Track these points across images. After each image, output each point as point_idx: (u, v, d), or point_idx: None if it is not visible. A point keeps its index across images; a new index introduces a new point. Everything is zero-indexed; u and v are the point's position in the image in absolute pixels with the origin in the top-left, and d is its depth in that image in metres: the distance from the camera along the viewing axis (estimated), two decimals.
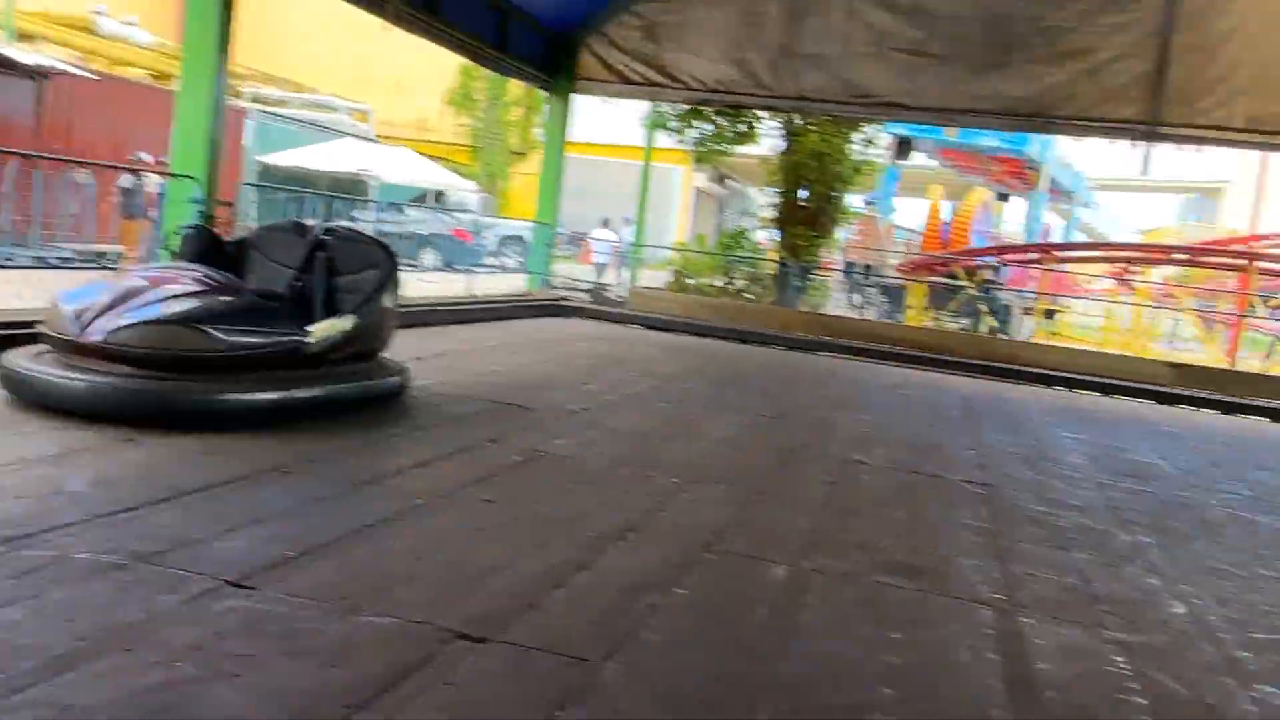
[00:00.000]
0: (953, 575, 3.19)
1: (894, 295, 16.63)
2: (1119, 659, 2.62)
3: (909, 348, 11.08)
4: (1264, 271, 16.18)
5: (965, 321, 15.68)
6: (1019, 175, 21.00)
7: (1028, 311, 17.18)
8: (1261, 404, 9.84)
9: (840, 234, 17.15)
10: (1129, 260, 18.52)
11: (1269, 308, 16.94)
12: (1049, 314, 18.63)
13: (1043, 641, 2.68)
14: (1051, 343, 14.51)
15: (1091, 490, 4.87)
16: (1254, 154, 25.40)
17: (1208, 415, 9.45)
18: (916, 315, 15.64)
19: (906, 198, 24.11)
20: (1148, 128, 10.01)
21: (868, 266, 18.51)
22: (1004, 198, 22.96)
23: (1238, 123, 9.81)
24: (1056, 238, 25.06)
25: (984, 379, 10.04)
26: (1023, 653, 2.59)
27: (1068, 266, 20.43)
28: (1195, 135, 10.10)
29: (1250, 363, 15.88)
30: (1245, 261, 16.16)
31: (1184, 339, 20.89)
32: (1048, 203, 23.53)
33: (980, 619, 2.81)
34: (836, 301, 16.76)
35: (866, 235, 20.10)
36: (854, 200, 16.96)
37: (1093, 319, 20.02)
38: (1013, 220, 24.94)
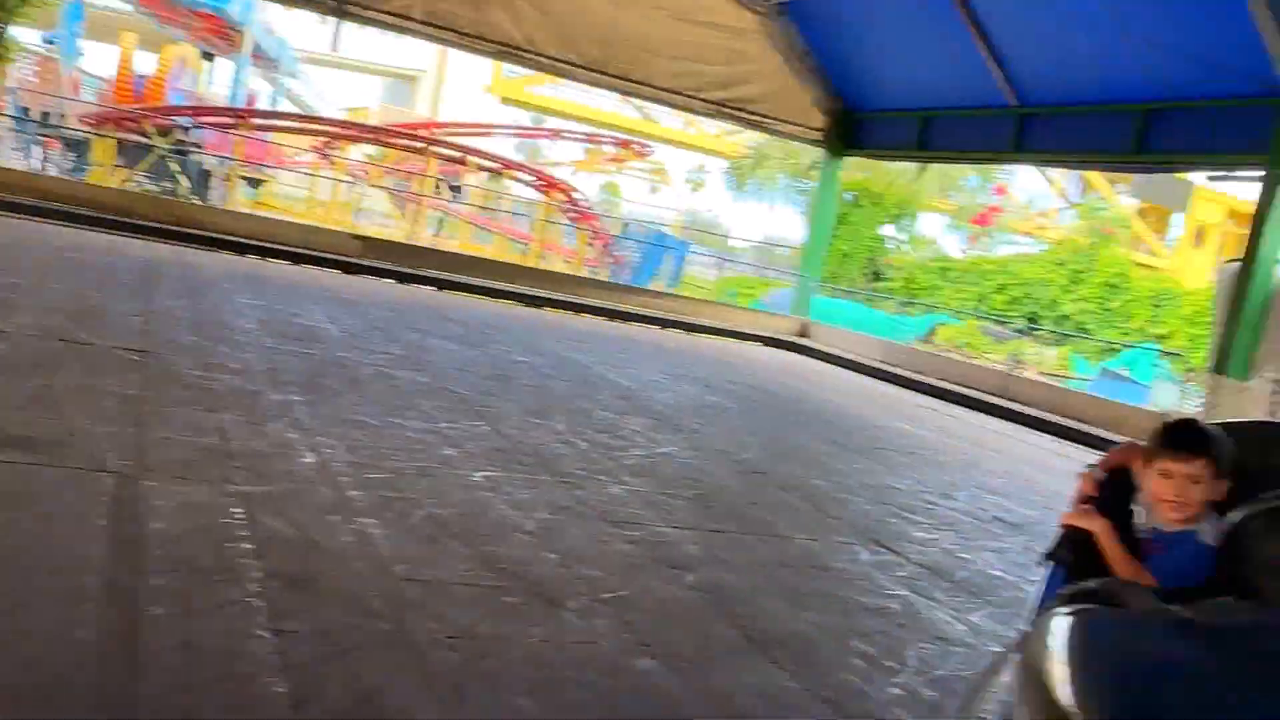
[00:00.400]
0: (78, 446, 3.02)
1: (79, 150, 15.01)
2: (237, 510, 2.73)
3: (91, 208, 10.17)
4: (442, 157, 18.05)
5: (160, 184, 14.84)
6: (222, 35, 20.28)
7: (228, 178, 16.87)
8: (430, 274, 11.10)
9: (10, 73, 14.86)
10: (327, 135, 19.22)
11: (441, 187, 19.03)
12: (254, 183, 18.57)
13: (162, 502, 2.67)
14: (247, 211, 14.49)
15: (255, 354, 5.00)
16: (438, 46, 27.96)
17: (385, 284, 10.36)
18: (103, 174, 14.35)
19: (97, 42, 21.76)
20: (338, 5, 10.36)
21: (46, 114, 16.38)
22: (209, 57, 22.04)
23: (417, 15, 10.66)
24: (263, 105, 24.90)
25: (173, 245, 9.69)
26: (138, 515, 2.56)
27: (274, 136, 20.48)
28: (380, 20, 10.75)
29: (428, 237, 17.74)
30: (425, 145, 17.84)
31: (378, 214, 22.48)
32: (254, 69, 23.23)
33: (100, 487, 2.70)
34: (6, 152, 14.60)
35: (46, 79, 17.72)
36: (29, 37, 14.80)
37: (299, 190, 20.52)
38: (219, 83, 24.12)
